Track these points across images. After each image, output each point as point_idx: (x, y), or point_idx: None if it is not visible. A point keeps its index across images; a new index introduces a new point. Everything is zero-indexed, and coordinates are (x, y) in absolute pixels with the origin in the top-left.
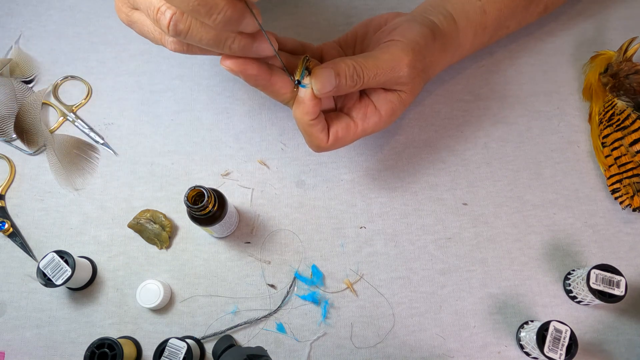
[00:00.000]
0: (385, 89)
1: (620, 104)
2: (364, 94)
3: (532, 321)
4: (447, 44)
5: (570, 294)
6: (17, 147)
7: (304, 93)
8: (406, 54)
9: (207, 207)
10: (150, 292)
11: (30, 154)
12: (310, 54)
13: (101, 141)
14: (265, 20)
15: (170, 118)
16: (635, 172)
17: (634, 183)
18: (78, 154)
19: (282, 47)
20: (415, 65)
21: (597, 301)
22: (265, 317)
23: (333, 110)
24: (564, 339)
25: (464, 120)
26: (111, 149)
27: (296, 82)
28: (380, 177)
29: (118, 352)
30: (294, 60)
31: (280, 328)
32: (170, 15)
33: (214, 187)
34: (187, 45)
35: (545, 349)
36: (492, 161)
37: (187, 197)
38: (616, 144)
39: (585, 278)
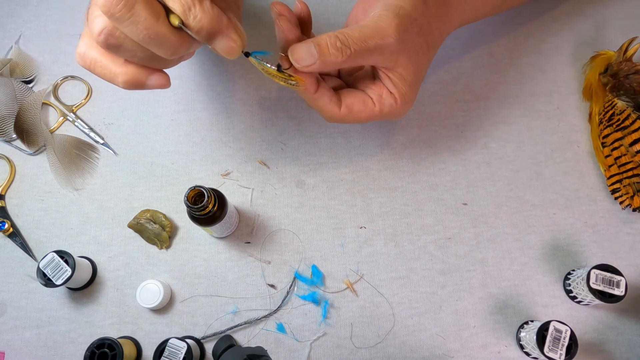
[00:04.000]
0: (390, 76)
1: (620, 104)
2: (377, 78)
3: (532, 321)
4: (444, 3)
5: (570, 294)
6: (17, 147)
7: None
8: (392, 19)
9: (207, 207)
10: (150, 292)
11: (30, 154)
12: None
13: (101, 141)
14: (265, 20)
15: (170, 118)
16: (635, 172)
17: (634, 183)
18: (78, 154)
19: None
20: (407, 28)
21: (597, 301)
22: (265, 317)
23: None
24: (564, 339)
25: (464, 120)
26: (111, 149)
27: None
28: (380, 177)
29: (118, 352)
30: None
31: (280, 328)
32: (102, 27)
33: (214, 187)
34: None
35: (545, 349)
36: (492, 161)
37: (187, 197)
38: (616, 144)
39: (585, 278)
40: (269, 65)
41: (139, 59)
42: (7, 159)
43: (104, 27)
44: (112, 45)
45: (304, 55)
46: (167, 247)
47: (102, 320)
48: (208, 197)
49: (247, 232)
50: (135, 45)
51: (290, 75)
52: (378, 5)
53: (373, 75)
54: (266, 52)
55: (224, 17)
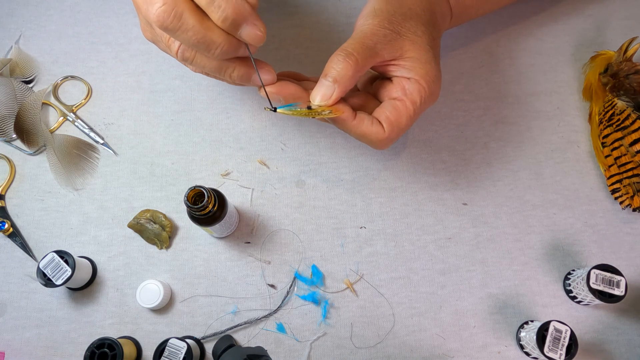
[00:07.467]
0: (402, 63)
1: (620, 104)
2: (392, 79)
3: (532, 321)
4: None
5: (570, 294)
6: (17, 147)
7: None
8: (373, 19)
9: (207, 207)
10: (150, 292)
11: (30, 154)
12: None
13: (101, 141)
14: (265, 20)
15: (170, 118)
16: (635, 172)
17: (634, 183)
18: (78, 154)
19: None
20: (391, 20)
21: (597, 301)
22: (265, 317)
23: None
24: (564, 339)
25: (464, 120)
26: (111, 149)
27: (272, 109)
28: (380, 177)
29: (118, 352)
30: (298, 85)
31: (280, 328)
32: (178, 45)
33: (214, 187)
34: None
35: (545, 349)
36: (492, 161)
37: (187, 197)
38: (616, 144)
39: (585, 278)
40: (299, 108)
41: (210, 69)
42: (7, 159)
43: (178, 46)
44: (187, 58)
45: (323, 92)
46: (167, 247)
47: (102, 320)
48: (208, 197)
49: (247, 232)
50: (202, 58)
51: (324, 109)
52: (357, 23)
53: (388, 80)
54: (291, 104)
55: (246, 5)
